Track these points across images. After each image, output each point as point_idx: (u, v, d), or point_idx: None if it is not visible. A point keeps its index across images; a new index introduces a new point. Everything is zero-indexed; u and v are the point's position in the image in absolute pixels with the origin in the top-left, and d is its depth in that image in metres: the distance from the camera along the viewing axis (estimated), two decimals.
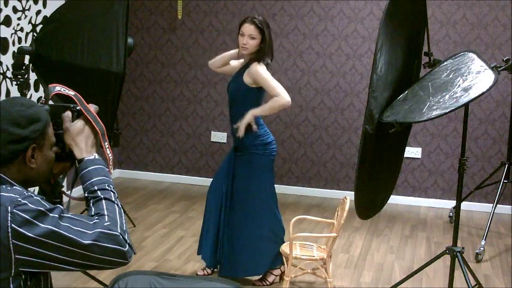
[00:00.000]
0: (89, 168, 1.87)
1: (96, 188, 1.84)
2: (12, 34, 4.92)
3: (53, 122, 1.88)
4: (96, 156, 1.90)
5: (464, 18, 6.05)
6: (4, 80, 4.84)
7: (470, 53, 3.71)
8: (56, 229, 1.69)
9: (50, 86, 1.94)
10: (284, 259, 4.14)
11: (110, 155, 1.94)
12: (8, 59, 4.86)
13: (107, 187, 1.86)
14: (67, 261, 1.72)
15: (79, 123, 1.91)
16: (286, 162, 6.54)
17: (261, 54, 4.15)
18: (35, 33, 5.13)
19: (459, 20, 6.06)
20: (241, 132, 4.15)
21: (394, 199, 5.84)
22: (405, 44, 3.70)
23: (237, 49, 4.33)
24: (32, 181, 1.85)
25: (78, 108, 1.92)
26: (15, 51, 4.71)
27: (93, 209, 1.82)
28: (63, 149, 1.91)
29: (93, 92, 3.84)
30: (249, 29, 4.12)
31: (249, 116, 4.13)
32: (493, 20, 6.00)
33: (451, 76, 3.59)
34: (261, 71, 4.11)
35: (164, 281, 2.31)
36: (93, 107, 1.94)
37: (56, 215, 1.71)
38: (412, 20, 3.80)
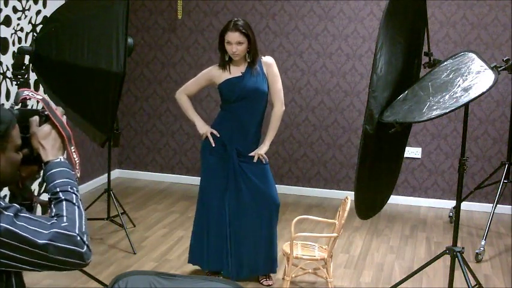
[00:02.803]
0: (53, 171, 1.88)
1: (58, 189, 1.85)
2: (12, 34, 4.92)
3: (22, 126, 1.89)
4: (62, 159, 1.91)
5: (464, 18, 6.05)
6: (4, 80, 4.84)
7: (470, 53, 3.71)
8: (11, 228, 1.69)
9: (19, 90, 1.98)
10: (285, 259, 4.14)
11: (76, 159, 1.96)
12: (8, 59, 4.86)
13: (69, 189, 1.86)
14: (25, 260, 1.72)
15: (46, 127, 1.92)
16: (286, 162, 6.53)
17: (256, 52, 4.18)
18: (35, 33, 5.13)
19: (459, 20, 6.06)
20: (255, 159, 4.20)
21: (394, 199, 5.84)
22: (405, 44, 3.70)
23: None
24: None
25: (46, 113, 1.94)
26: (15, 51, 4.71)
27: (53, 210, 1.82)
28: (32, 153, 1.93)
29: (93, 92, 3.85)
30: (234, 36, 4.11)
31: (267, 147, 4.24)
32: (493, 20, 6.00)
33: (451, 76, 3.59)
34: (275, 66, 4.25)
35: (164, 281, 2.31)
36: (60, 111, 1.96)
37: (11, 214, 1.71)
38: (412, 20, 3.80)
